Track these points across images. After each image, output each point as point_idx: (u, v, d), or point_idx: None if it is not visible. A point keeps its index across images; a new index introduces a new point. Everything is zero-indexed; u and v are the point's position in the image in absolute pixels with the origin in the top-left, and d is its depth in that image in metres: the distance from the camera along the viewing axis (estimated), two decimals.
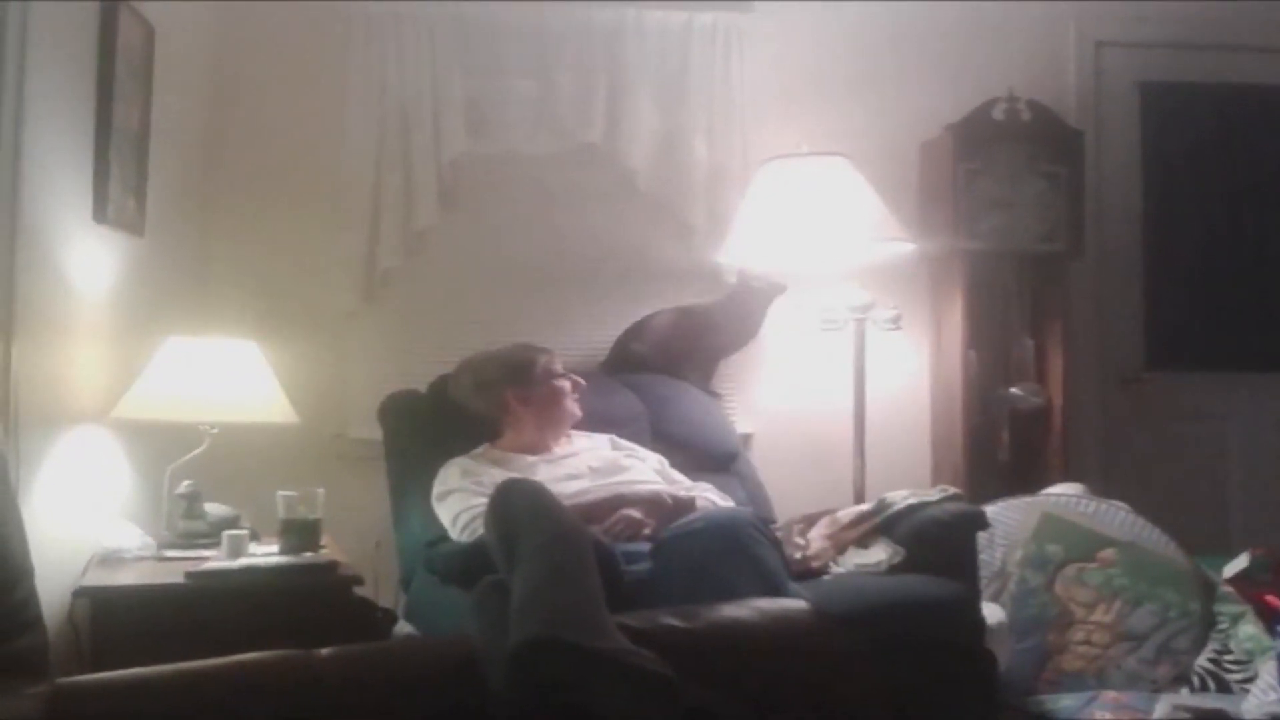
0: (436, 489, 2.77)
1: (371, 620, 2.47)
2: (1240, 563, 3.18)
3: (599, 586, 1.90)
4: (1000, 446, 3.63)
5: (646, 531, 2.64)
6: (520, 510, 2.07)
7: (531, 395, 2.93)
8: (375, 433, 3.14)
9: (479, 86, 3.60)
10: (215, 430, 2.81)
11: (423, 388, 3.17)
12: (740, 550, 2.42)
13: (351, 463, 3.27)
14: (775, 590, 2.35)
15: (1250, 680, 2.91)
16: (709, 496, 2.88)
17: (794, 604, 2.22)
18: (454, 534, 2.63)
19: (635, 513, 2.66)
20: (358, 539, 2.81)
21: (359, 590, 2.45)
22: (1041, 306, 3.74)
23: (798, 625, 2.12)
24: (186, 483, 2.76)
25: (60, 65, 2.49)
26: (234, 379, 2.83)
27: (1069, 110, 3.82)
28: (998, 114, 3.65)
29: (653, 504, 2.72)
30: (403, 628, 2.65)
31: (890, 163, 3.64)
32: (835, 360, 3.51)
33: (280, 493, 2.60)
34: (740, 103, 3.68)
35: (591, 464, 2.86)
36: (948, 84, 3.76)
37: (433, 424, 2.99)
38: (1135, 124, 4.00)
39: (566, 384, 2.96)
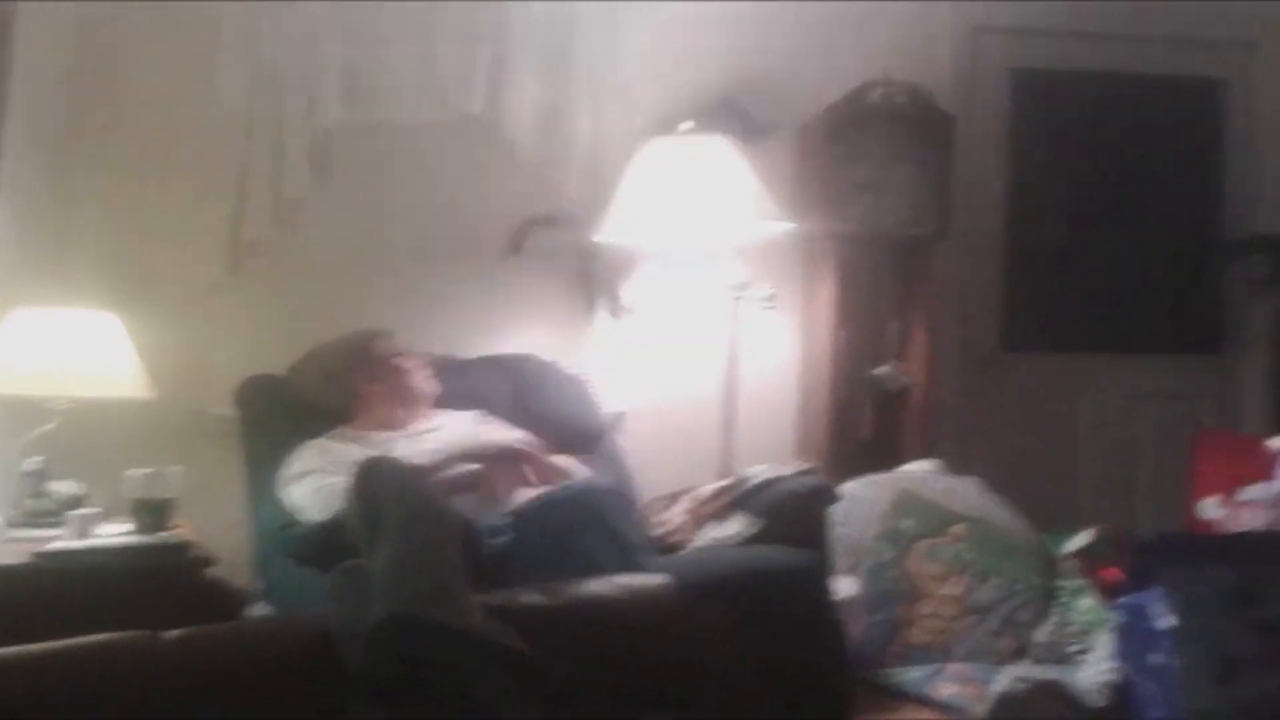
0: (291, 471, 2.75)
1: (225, 602, 2.44)
2: (1084, 538, 3.32)
3: (460, 563, 1.91)
4: (864, 425, 3.73)
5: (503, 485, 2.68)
6: (383, 487, 2.07)
7: (379, 376, 2.94)
8: (232, 409, 3.09)
9: (356, 52, 3.53)
10: (66, 406, 2.73)
11: (292, 361, 3.11)
12: (600, 521, 2.46)
13: (214, 440, 3.20)
14: (633, 562, 2.40)
15: (1087, 652, 3.05)
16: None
17: (655, 579, 2.26)
18: (311, 513, 2.62)
19: (474, 466, 2.68)
20: (219, 518, 2.77)
21: (215, 571, 2.42)
22: (908, 289, 3.83)
23: (658, 600, 2.15)
24: (34, 459, 2.69)
25: None
26: (88, 352, 2.76)
27: (943, 95, 3.87)
28: (874, 97, 3.69)
29: (505, 457, 2.73)
30: (259, 609, 2.63)
31: (772, 143, 3.68)
32: (709, 338, 3.56)
33: (131, 470, 2.56)
34: (625, 77, 3.68)
35: (452, 439, 2.87)
36: (831, 67, 3.78)
37: (292, 408, 2.97)
38: (1005, 109, 4.10)
39: (411, 362, 2.97)
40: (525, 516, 2.55)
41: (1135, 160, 4.21)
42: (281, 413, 2.97)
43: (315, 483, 2.65)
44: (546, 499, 2.59)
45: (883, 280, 3.82)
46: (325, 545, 2.23)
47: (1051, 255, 4.18)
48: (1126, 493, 4.06)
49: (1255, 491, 3.22)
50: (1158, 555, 2.98)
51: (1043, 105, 4.14)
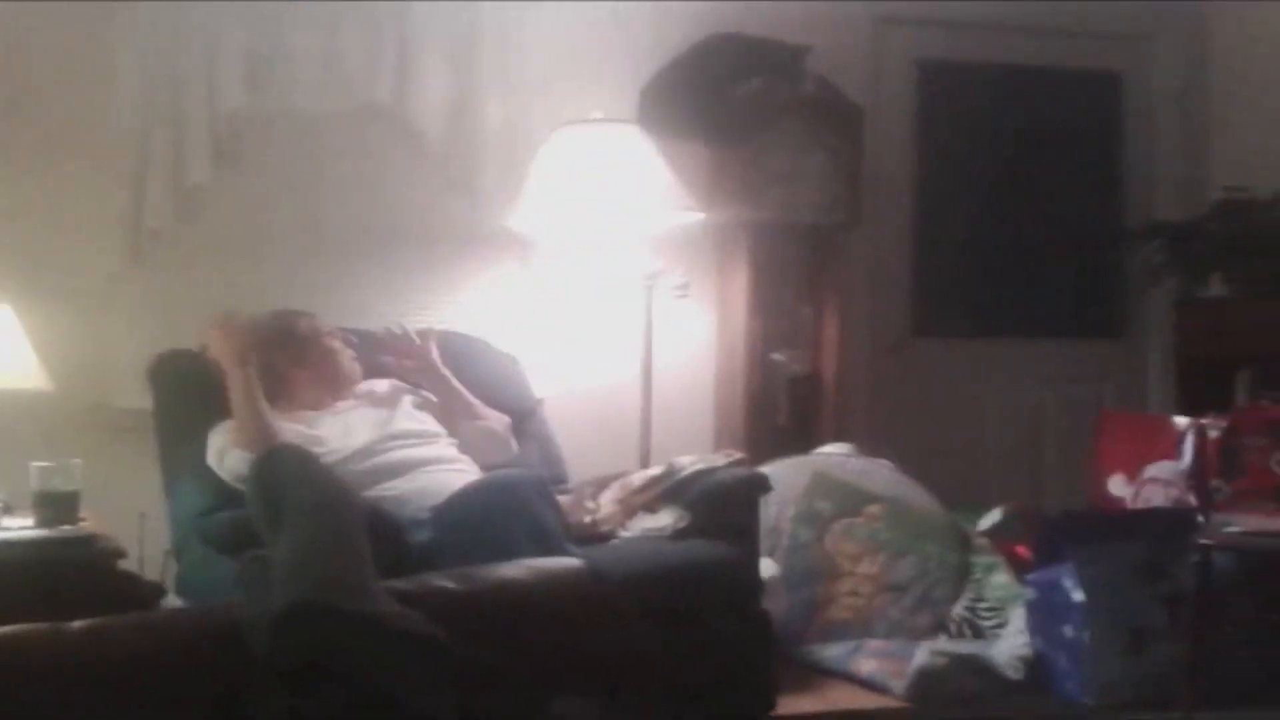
0: (213, 449, 2.66)
1: (137, 594, 2.37)
2: (994, 516, 3.39)
3: (366, 551, 1.88)
4: (779, 411, 3.75)
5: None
6: (284, 476, 2.02)
7: (303, 358, 2.85)
8: (139, 402, 2.99)
9: (259, 39, 3.45)
10: None
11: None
12: (520, 510, 2.42)
13: (114, 433, 3.11)
14: (554, 552, 2.37)
15: (1002, 626, 3.12)
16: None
17: (568, 563, 2.25)
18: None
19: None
20: (121, 513, 2.68)
21: (123, 565, 2.35)
22: (820, 276, 3.86)
23: (571, 585, 2.14)
24: None
25: None
26: None
27: (851, 85, 3.91)
28: (782, 88, 3.72)
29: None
30: (172, 602, 2.56)
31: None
32: (624, 326, 3.55)
33: (34, 464, 2.47)
34: (534, 66, 3.65)
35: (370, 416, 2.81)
36: None
37: (206, 385, 2.85)
38: (912, 100, 4.17)
39: (337, 343, 2.90)
40: (445, 509, 2.51)
41: (1038, 150, 4.31)
42: (197, 389, 2.84)
43: (242, 452, 2.57)
44: (467, 491, 2.55)
45: (795, 268, 3.84)
46: (244, 533, 2.17)
47: (959, 243, 4.26)
48: (1034, 472, 4.16)
49: (1159, 469, 3.31)
50: (1065, 532, 3.06)
51: (948, 96, 4.22)
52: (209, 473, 2.66)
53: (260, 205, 3.50)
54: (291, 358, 2.83)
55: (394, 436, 2.76)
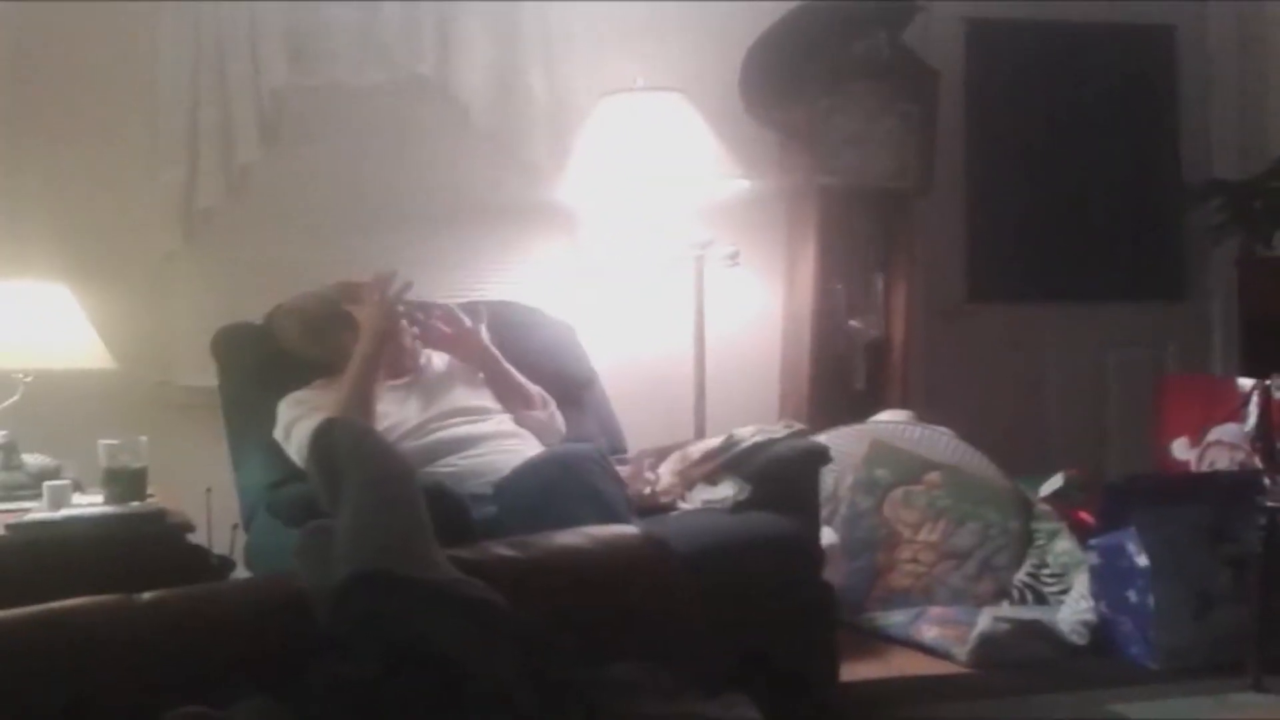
0: (282, 423, 2.67)
1: (207, 567, 2.40)
2: (1056, 482, 3.35)
3: (427, 519, 1.89)
4: (856, 377, 3.70)
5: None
6: (343, 448, 2.03)
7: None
8: (201, 379, 3.02)
9: (299, 14, 3.45)
10: (28, 379, 2.67)
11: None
12: (581, 484, 2.42)
13: (177, 410, 3.14)
14: (617, 523, 2.36)
15: (1065, 592, 3.09)
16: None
17: (626, 530, 2.24)
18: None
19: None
20: (187, 488, 2.69)
21: (192, 539, 2.37)
22: (891, 242, 3.80)
23: (630, 553, 2.13)
24: (1, 433, 2.62)
25: None
26: (45, 324, 2.70)
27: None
28: (857, 49, 3.65)
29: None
30: (242, 574, 2.58)
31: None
32: (678, 297, 3.53)
33: (102, 441, 2.49)
34: (578, 33, 3.62)
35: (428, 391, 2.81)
36: None
37: (271, 357, 2.85)
38: (961, 60, 4.10)
39: (401, 320, 2.89)
40: (507, 484, 2.52)
41: (1091, 108, 4.22)
42: (261, 361, 2.85)
43: (309, 425, 2.58)
44: (530, 466, 2.55)
45: (861, 234, 3.78)
46: (310, 504, 2.18)
47: (1013, 206, 4.18)
48: (1096, 438, 4.10)
49: (1223, 432, 3.25)
50: (1128, 497, 3.01)
51: (998, 56, 4.15)
52: (275, 445, 2.68)
53: (309, 181, 3.51)
54: (356, 331, 2.81)
55: (450, 414, 2.76)
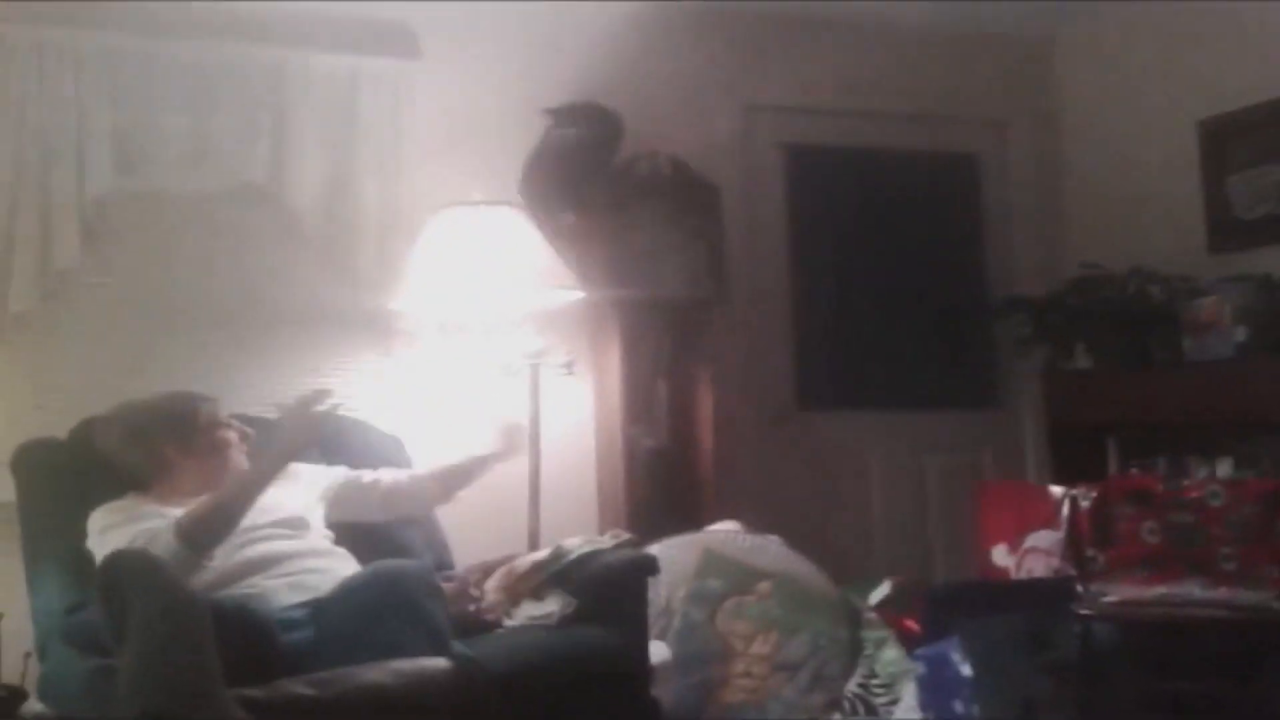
0: (95, 529, 2.55)
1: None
2: (884, 590, 3.41)
3: (213, 657, 1.82)
4: (637, 486, 3.72)
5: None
6: (128, 582, 1.95)
7: (194, 447, 2.72)
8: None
9: (128, 119, 3.39)
10: None
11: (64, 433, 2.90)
12: (407, 605, 2.36)
13: None
14: (440, 649, 2.31)
15: (895, 703, 3.13)
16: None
17: (434, 664, 2.18)
18: None
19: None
20: None
21: None
22: (691, 351, 3.87)
23: (438, 686, 2.07)
24: None
25: None
26: None
27: (720, 168, 3.99)
28: (641, 169, 3.79)
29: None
30: (34, 706, 2.41)
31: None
32: (509, 406, 3.51)
33: None
34: (411, 148, 3.64)
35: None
36: None
37: (74, 475, 2.75)
38: (781, 181, 4.26)
39: (233, 434, 2.79)
40: (327, 605, 2.43)
41: (904, 227, 4.42)
42: (63, 480, 2.74)
43: (130, 530, 2.45)
44: (349, 585, 2.47)
45: (665, 344, 3.85)
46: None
47: (836, 318, 4.33)
48: (922, 544, 4.21)
49: (1038, 538, 3.38)
50: (949, 605, 3.08)
51: (815, 178, 4.32)
52: (74, 567, 2.55)
53: (131, 286, 3.42)
54: (181, 444, 2.72)
55: (262, 526, 2.64)
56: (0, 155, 3.23)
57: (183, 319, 3.44)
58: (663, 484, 3.75)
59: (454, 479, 3.07)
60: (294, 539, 2.67)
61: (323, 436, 2.73)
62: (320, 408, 2.61)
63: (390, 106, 3.64)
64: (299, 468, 2.79)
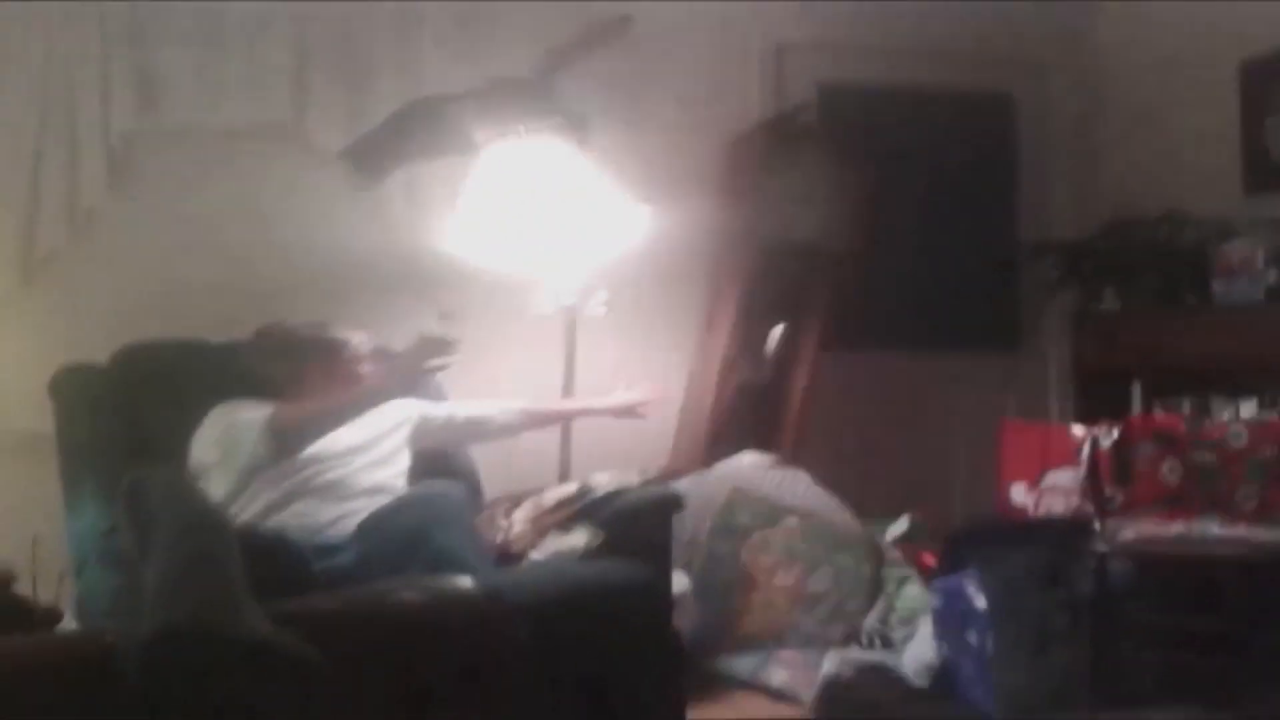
0: (221, 423, 2.63)
1: (30, 619, 2.30)
2: (901, 525, 3.44)
3: (239, 573, 1.86)
4: (737, 420, 3.78)
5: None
6: (154, 501, 1.99)
7: (334, 373, 2.80)
8: (33, 423, 2.90)
9: (149, 57, 3.41)
10: None
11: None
12: (443, 526, 2.41)
13: (6, 456, 3.02)
14: (470, 571, 2.34)
15: (912, 637, 3.15)
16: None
17: (460, 583, 2.22)
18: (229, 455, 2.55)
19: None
20: (11, 538, 2.60)
21: (16, 590, 2.27)
22: (802, 296, 3.93)
23: (461, 607, 2.10)
24: None
25: None
26: None
27: (753, 110, 3.97)
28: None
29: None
30: (69, 624, 2.48)
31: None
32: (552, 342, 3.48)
33: None
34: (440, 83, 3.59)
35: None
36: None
37: (114, 398, 2.78)
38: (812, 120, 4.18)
39: (368, 369, 2.85)
40: (365, 530, 2.49)
41: (937, 169, 4.38)
42: (102, 404, 2.77)
43: (231, 418, 2.53)
44: (387, 511, 2.52)
45: (774, 287, 3.89)
46: None
47: (867, 260, 4.30)
48: (945, 482, 4.20)
49: (1058, 477, 3.38)
50: (967, 540, 3.10)
51: (850, 118, 4.28)
52: (112, 489, 2.58)
53: (157, 224, 3.44)
54: (325, 368, 2.81)
55: (325, 458, 2.68)
56: (24, 97, 3.26)
57: (206, 255, 3.46)
58: (742, 417, 3.80)
59: (537, 420, 3.15)
60: (362, 470, 2.72)
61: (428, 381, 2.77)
62: (440, 358, 2.65)
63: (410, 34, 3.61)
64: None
